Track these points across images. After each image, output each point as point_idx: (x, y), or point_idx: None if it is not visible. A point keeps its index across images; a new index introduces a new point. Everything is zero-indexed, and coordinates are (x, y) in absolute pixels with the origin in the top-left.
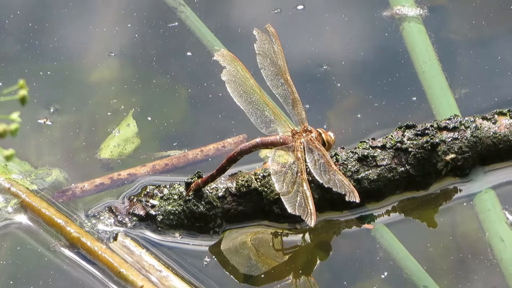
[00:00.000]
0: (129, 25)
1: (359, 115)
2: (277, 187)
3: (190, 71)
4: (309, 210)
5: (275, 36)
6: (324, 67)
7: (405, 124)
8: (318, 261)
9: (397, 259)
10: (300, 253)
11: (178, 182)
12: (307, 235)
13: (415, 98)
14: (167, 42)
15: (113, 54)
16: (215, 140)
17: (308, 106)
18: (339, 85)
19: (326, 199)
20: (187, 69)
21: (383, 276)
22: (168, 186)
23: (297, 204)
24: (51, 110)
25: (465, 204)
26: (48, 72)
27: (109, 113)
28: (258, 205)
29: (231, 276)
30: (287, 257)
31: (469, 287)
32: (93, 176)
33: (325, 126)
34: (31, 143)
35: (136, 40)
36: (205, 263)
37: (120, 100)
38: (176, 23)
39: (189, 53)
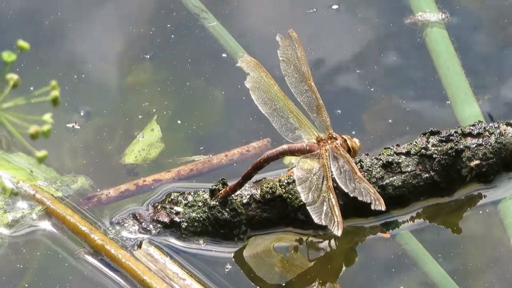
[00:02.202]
0: (168, 25)
1: (390, 120)
2: (303, 197)
3: (224, 73)
4: (336, 219)
5: (297, 42)
6: (357, 71)
7: (430, 130)
8: (343, 267)
9: (422, 265)
10: (325, 259)
11: (202, 189)
12: (332, 242)
13: (449, 102)
14: (203, 43)
15: (148, 56)
16: (242, 144)
17: (339, 111)
18: (372, 89)
19: (351, 205)
20: (221, 71)
21: None
22: (192, 193)
23: (323, 214)
24: (81, 114)
25: (489, 210)
26: (83, 75)
27: (140, 116)
28: (282, 211)
29: (254, 283)
30: (311, 263)
31: None
32: (118, 182)
33: (353, 132)
34: (59, 147)
35: (172, 41)
36: (227, 269)
37: (153, 103)
38: (215, 23)
39: (224, 55)
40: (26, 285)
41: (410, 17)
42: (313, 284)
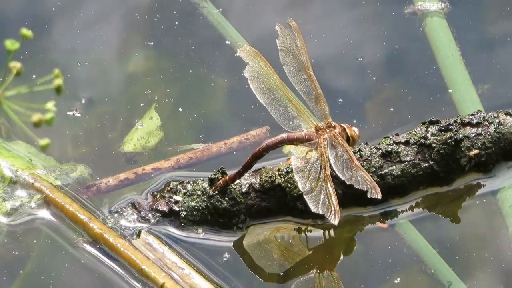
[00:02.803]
0: (174, 12)
1: (392, 109)
2: (300, 186)
3: (228, 61)
4: (333, 208)
5: (297, 31)
6: (359, 59)
7: (429, 119)
8: (342, 257)
9: (421, 254)
10: (323, 248)
11: (201, 178)
12: (331, 231)
13: (451, 91)
14: (207, 29)
15: (151, 43)
16: (241, 132)
17: (341, 100)
18: (374, 78)
19: (350, 195)
20: (224, 58)
21: (396, 282)
22: (191, 182)
23: (320, 202)
24: (83, 101)
25: (488, 199)
26: (86, 63)
27: (142, 104)
28: (281, 201)
29: (253, 272)
30: (310, 252)
31: (493, 282)
32: (118, 170)
33: (354, 121)
34: (58, 135)
35: (176, 28)
36: (225, 259)
37: (155, 91)
38: (221, 9)
39: (227, 42)
40: (23, 272)
41: (410, 6)
42: (311, 273)
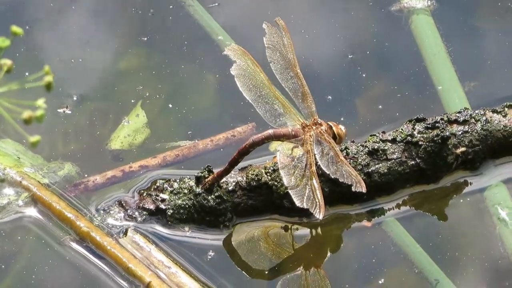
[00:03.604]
0: (170, 6)
1: (380, 106)
2: (285, 181)
3: (219, 56)
4: (317, 203)
5: (284, 29)
6: (350, 56)
7: (415, 117)
8: (329, 254)
9: (408, 252)
10: (310, 246)
11: (188, 176)
12: (317, 229)
13: (440, 87)
14: (200, 24)
15: (145, 39)
16: (230, 129)
17: (330, 97)
18: (364, 75)
19: (336, 193)
20: (216, 54)
21: (380, 282)
22: (178, 180)
23: (305, 197)
24: (74, 98)
25: (476, 197)
26: (80, 60)
27: (132, 101)
28: (268, 199)
29: (239, 269)
30: (296, 250)
31: (480, 280)
32: (106, 167)
33: (342, 119)
34: (47, 132)
35: (169, 23)
36: (209, 257)
37: (146, 87)
38: (217, 3)
39: (220, 37)
40: (9, 270)
41: (397, 4)
42: (297, 271)
